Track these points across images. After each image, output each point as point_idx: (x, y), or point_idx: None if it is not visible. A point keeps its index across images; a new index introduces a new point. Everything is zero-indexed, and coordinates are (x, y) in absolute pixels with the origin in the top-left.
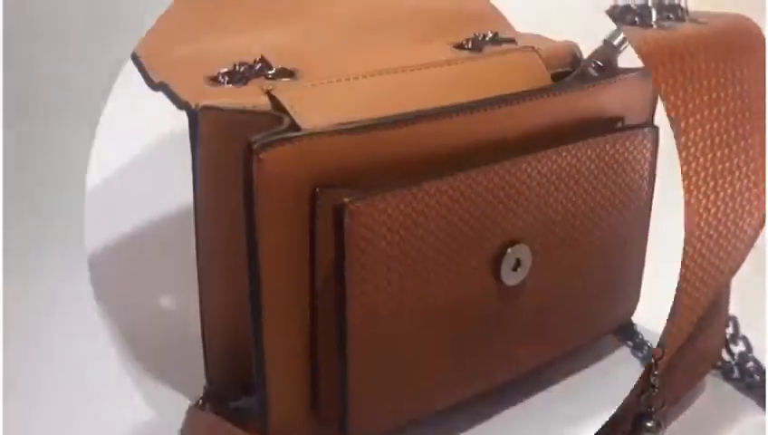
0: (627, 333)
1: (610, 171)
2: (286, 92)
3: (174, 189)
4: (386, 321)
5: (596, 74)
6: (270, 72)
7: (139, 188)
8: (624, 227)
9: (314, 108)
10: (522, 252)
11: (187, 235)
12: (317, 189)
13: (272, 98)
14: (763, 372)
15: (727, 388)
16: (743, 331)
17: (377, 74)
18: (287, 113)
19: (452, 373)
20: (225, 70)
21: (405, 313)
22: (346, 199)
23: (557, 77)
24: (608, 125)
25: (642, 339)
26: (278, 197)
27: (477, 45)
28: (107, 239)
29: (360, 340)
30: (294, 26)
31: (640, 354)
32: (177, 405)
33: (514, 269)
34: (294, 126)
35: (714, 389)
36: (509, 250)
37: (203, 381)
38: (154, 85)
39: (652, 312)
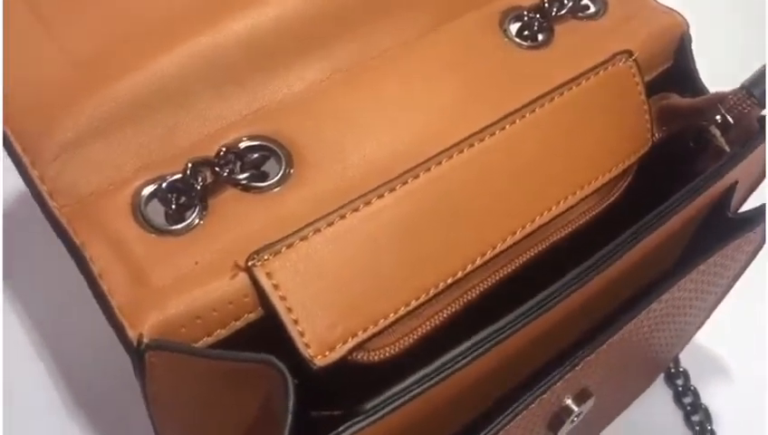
0: None
1: (708, 280)
2: (278, 273)
3: None
4: None
5: (721, 139)
6: (243, 179)
7: None
8: (701, 309)
9: (325, 307)
10: (587, 405)
11: None
12: None
13: (260, 293)
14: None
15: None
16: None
17: (412, 176)
18: (282, 325)
19: None
20: (175, 178)
21: None
22: None
23: (653, 85)
24: (719, 220)
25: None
26: None
27: (544, 25)
28: None
29: None
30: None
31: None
32: None
33: (573, 421)
34: (304, 360)
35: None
36: (576, 409)
37: None
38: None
39: None
